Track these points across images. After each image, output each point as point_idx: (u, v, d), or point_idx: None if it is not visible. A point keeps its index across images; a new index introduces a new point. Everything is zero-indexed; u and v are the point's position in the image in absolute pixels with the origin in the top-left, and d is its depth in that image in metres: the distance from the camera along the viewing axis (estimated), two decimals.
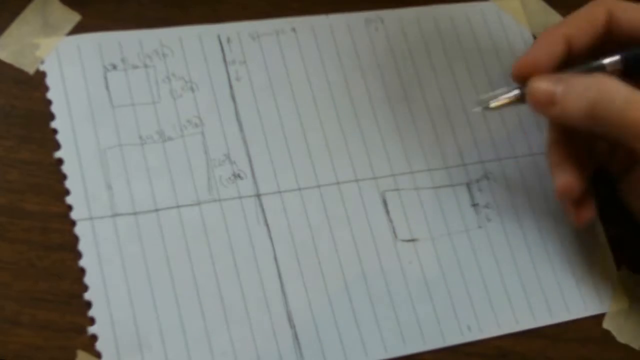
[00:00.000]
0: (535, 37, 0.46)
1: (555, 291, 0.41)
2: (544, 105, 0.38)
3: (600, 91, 0.36)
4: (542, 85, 0.38)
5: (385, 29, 0.44)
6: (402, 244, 0.40)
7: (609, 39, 0.39)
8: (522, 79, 0.39)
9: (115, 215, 0.37)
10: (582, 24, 0.39)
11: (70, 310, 0.36)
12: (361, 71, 0.43)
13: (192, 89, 0.40)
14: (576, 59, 0.39)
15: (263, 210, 0.39)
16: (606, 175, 0.44)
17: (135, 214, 0.37)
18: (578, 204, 0.40)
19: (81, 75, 0.39)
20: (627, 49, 0.39)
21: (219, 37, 0.42)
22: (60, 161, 0.38)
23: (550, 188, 0.43)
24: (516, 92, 0.39)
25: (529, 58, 0.39)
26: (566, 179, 0.39)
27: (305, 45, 0.43)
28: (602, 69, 0.38)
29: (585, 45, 0.39)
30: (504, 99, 0.39)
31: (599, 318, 0.42)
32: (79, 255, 0.36)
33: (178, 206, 0.38)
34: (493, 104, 0.40)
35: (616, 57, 0.38)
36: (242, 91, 0.41)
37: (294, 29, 0.43)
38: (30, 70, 0.39)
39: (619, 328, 0.42)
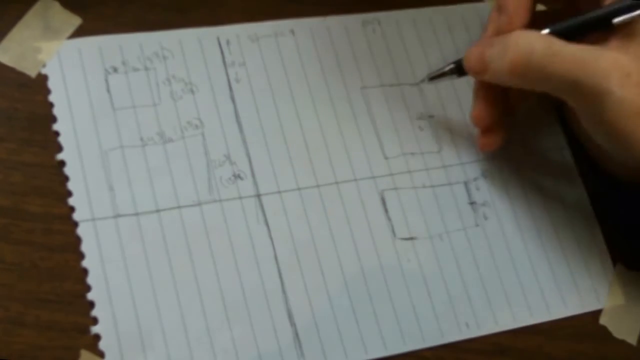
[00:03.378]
0: None
1: (552, 288, 0.42)
2: (477, 72, 0.39)
3: (518, 50, 0.36)
4: (474, 52, 0.39)
5: (382, 30, 0.45)
6: (401, 242, 0.41)
7: None
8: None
9: (117, 216, 0.37)
10: None
11: (73, 310, 0.36)
12: (359, 72, 0.43)
13: (192, 91, 0.41)
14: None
15: (263, 210, 0.39)
16: (602, 172, 0.44)
17: (136, 214, 0.38)
18: (487, 132, 0.41)
19: (82, 78, 0.39)
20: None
21: (218, 39, 0.42)
22: (62, 163, 0.38)
23: (547, 187, 0.44)
24: (451, 66, 0.41)
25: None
26: (479, 110, 0.40)
27: (304, 47, 0.43)
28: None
29: None
30: (440, 71, 0.42)
31: (595, 314, 0.42)
32: (81, 256, 0.37)
33: (179, 207, 0.38)
34: (432, 75, 0.42)
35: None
36: (241, 92, 0.41)
37: (292, 31, 0.43)
38: (32, 74, 0.39)
39: (615, 324, 0.42)
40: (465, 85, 0.44)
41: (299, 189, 0.40)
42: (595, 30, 0.37)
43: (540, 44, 0.36)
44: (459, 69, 0.41)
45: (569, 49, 0.36)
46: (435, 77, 0.42)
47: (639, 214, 0.43)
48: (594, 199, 0.44)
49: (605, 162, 0.43)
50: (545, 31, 0.37)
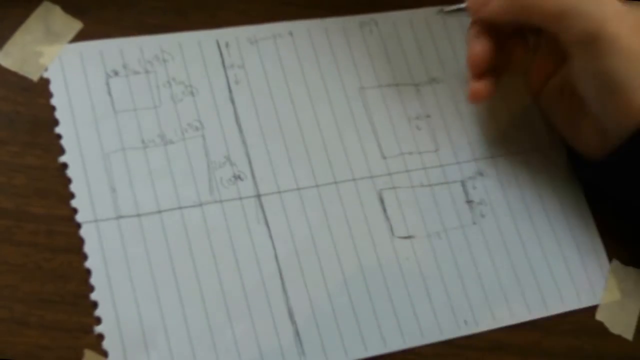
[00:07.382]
0: None
1: (549, 284, 0.42)
2: (477, 9, 0.40)
3: None
4: None
5: (379, 31, 0.45)
6: (399, 240, 0.41)
7: None
8: None
9: (119, 217, 0.38)
10: None
11: (76, 310, 0.36)
12: (357, 73, 0.44)
13: (192, 93, 0.41)
14: None
15: (263, 210, 0.40)
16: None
17: (138, 215, 0.38)
18: (479, 78, 0.41)
19: (84, 81, 0.40)
20: None
21: (217, 42, 0.42)
22: (64, 165, 0.38)
23: (542, 184, 0.44)
24: (465, 4, 0.42)
25: None
26: (478, 49, 0.41)
27: (302, 48, 0.43)
28: None
29: None
30: (455, 7, 0.43)
31: (592, 310, 0.43)
32: (84, 256, 0.37)
33: (180, 207, 0.39)
34: (446, 10, 0.43)
35: None
36: (241, 94, 0.42)
37: (290, 33, 0.44)
38: (34, 78, 0.39)
39: (612, 319, 0.42)
40: (462, 86, 0.45)
41: (298, 189, 0.41)
42: None
43: None
44: None
45: None
46: (449, 11, 0.43)
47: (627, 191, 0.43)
48: (589, 197, 0.45)
49: (578, 143, 0.43)
50: None
